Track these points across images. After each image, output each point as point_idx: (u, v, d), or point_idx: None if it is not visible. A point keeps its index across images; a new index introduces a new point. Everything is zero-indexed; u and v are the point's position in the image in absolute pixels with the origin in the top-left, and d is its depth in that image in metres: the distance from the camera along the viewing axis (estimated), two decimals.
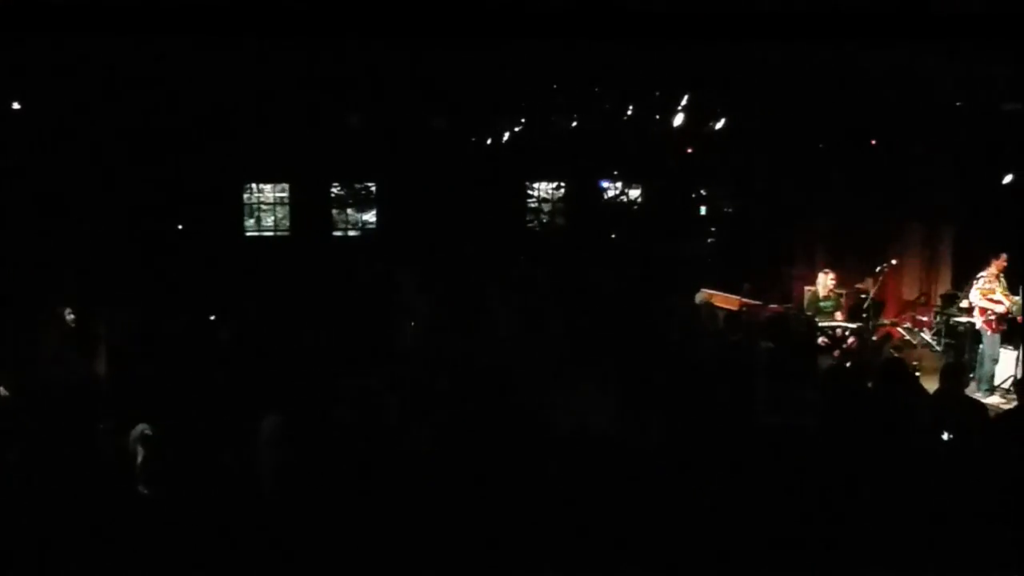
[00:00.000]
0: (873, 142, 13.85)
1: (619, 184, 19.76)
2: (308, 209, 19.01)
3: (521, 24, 8.05)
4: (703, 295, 14.09)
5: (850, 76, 11.06)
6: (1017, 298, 11.87)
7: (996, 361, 12.24)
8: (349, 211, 19.79)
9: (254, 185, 19.19)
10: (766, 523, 5.76)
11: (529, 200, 19.95)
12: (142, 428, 6.71)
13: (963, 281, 13.49)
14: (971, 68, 10.00)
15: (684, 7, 7.82)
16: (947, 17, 6.92)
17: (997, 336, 12.26)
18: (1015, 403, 9.43)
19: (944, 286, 15.08)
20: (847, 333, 12.71)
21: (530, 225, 19.81)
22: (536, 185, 19.94)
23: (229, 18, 8.02)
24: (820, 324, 12.63)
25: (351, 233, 19.69)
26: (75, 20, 7.88)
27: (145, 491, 6.43)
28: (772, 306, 13.73)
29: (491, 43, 10.16)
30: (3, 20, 7.66)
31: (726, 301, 13.62)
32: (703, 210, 19.61)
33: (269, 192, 19.38)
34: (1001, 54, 9.00)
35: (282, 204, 19.35)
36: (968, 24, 6.85)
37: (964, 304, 12.94)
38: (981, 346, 12.48)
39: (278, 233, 19.31)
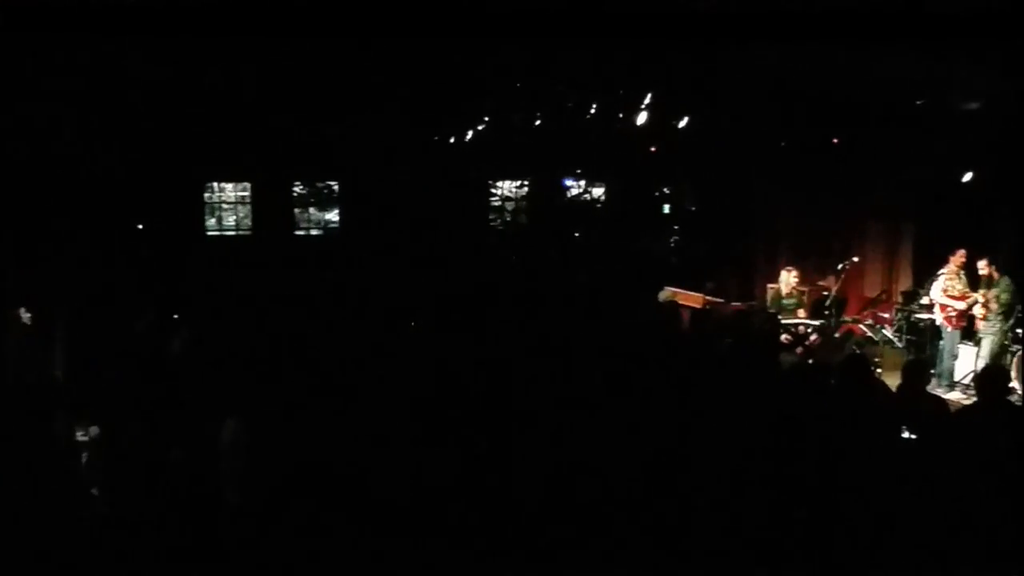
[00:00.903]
0: (835, 140, 13.91)
1: (582, 182, 19.78)
2: (270, 208, 18.90)
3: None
4: (667, 293, 14.11)
5: (812, 75, 11.10)
6: (976, 295, 11.96)
7: (956, 357, 12.35)
8: (312, 210, 19.70)
9: (215, 184, 19.05)
10: (729, 521, 5.76)
11: (492, 198, 19.93)
12: (93, 430, 6.63)
13: (924, 278, 13.60)
14: (931, 68, 10.06)
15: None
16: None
17: (957, 332, 12.38)
18: (975, 398, 9.49)
19: (905, 283, 15.19)
20: (810, 330, 12.77)
21: (493, 224, 19.78)
22: (500, 184, 19.92)
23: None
24: (783, 321, 12.68)
25: (314, 232, 19.59)
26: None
27: (95, 492, 6.35)
28: (735, 304, 13.77)
29: (456, 41, 10.11)
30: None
31: (690, 299, 13.65)
32: (666, 208, 19.67)
33: (231, 191, 19.25)
34: (960, 54, 9.05)
35: (243, 203, 19.22)
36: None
37: (925, 301, 13.05)
38: (941, 342, 12.59)
39: (240, 232, 19.18)
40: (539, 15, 7.99)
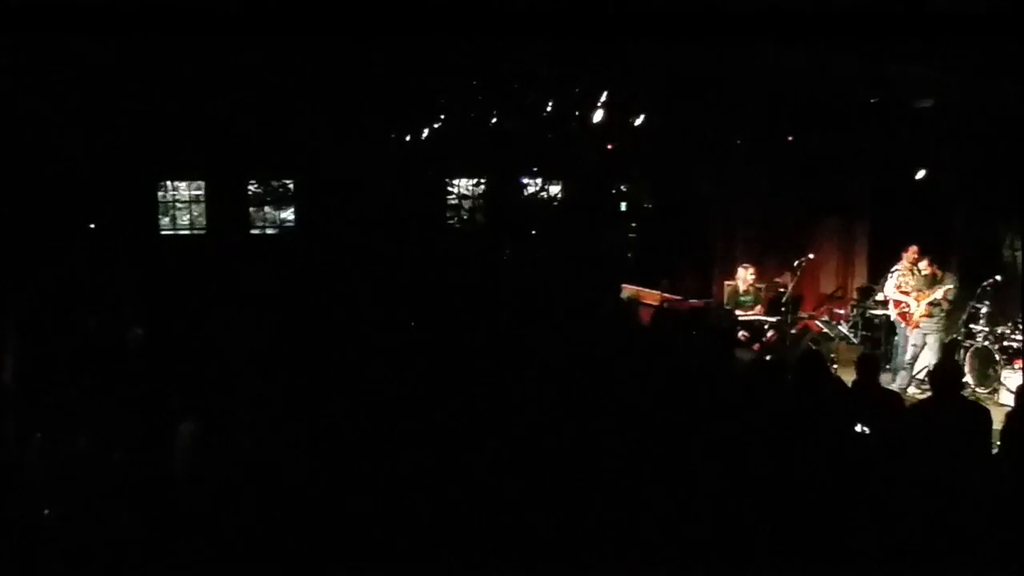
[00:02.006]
0: (790, 138, 13.98)
1: (539, 181, 19.78)
2: (224, 207, 18.73)
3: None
4: (628, 291, 14.16)
5: (767, 73, 11.14)
6: (937, 293, 12.02)
7: (910, 352, 12.43)
8: (267, 209, 19.56)
9: (169, 183, 18.85)
10: (685, 518, 5.75)
11: (449, 197, 19.88)
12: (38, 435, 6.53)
13: (878, 275, 13.71)
14: (884, 66, 10.12)
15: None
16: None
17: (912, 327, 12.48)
18: (930, 393, 9.59)
19: (860, 280, 15.31)
20: (766, 327, 12.85)
21: (450, 222, 19.74)
22: (456, 182, 19.87)
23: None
24: (740, 318, 12.74)
25: (269, 231, 19.45)
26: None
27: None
28: (692, 301, 13.82)
29: (412, 39, 10.05)
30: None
31: (647, 296, 13.68)
32: (623, 206, 19.71)
33: (184, 190, 19.06)
34: (912, 52, 9.11)
35: (198, 202, 19.04)
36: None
37: (879, 297, 13.15)
38: (896, 337, 12.70)
39: (194, 232, 19.00)
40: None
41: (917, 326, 12.12)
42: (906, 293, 12.31)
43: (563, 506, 5.97)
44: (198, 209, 19.08)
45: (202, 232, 18.91)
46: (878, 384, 8.26)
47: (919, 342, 12.16)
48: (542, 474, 6.36)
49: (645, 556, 5.51)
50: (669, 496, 5.97)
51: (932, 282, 12.08)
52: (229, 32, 8.88)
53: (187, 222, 19.15)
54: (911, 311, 12.19)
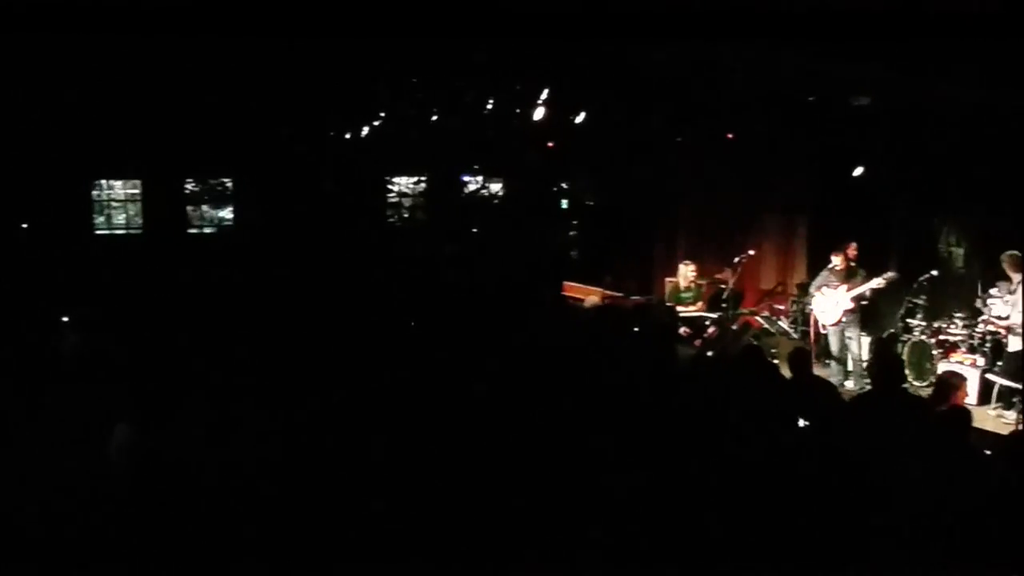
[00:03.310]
0: (730, 136, 14.07)
1: (480, 178, 19.73)
2: (161, 206, 18.47)
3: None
4: (570, 289, 14.18)
5: (707, 71, 11.18)
6: (875, 282, 12.10)
7: (849, 347, 12.53)
8: (204, 208, 19.31)
9: (103, 181, 18.54)
10: (631, 515, 5.73)
11: (389, 195, 19.77)
12: None
13: (817, 271, 13.81)
14: (821, 64, 10.20)
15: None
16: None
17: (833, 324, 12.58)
18: (868, 386, 9.69)
19: (799, 275, 15.43)
20: (707, 323, 12.91)
21: (390, 220, 19.63)
22: (396, 179, 19.77)
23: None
24: (681, 314, 12.79)
25: (207, 230, 19.20)
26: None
27: None
28: (634, 298, 13.85)
29: (351, 36, 9.95)
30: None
31: (589, 293, 13.69)
32: (565, 204, 19.73)
33: (120, 189, 18.76)
34: (849, 50, 9.17)
35: (133, 201, 18.75)
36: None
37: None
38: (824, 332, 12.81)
39: (130, 231, 18.71)
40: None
41: (839, 322, 12.21)
42: (816, 288, 12.42)
43: (501, 507, 5.92)
44: (134, 208, 18.78)
45: (138, 232, 18.62)
46: (812, 375, 8.34)
47: (839, 336, 12.28)
48: (482, 473, 6.31)
49: (586, 553, 5.48)
50: (610, 493, 5.95)
51: (848, 276, 12.15)
52: (180, 30, 8.75)
53: (123, 221, 18.85)
54: (824, 307, 12.30)
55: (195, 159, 17.77)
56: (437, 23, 8.13)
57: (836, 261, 12.19)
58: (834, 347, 12.35)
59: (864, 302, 12.19)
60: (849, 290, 12.04)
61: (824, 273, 12.43)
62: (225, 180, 19.06)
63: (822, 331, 12.52)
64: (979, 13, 7.03)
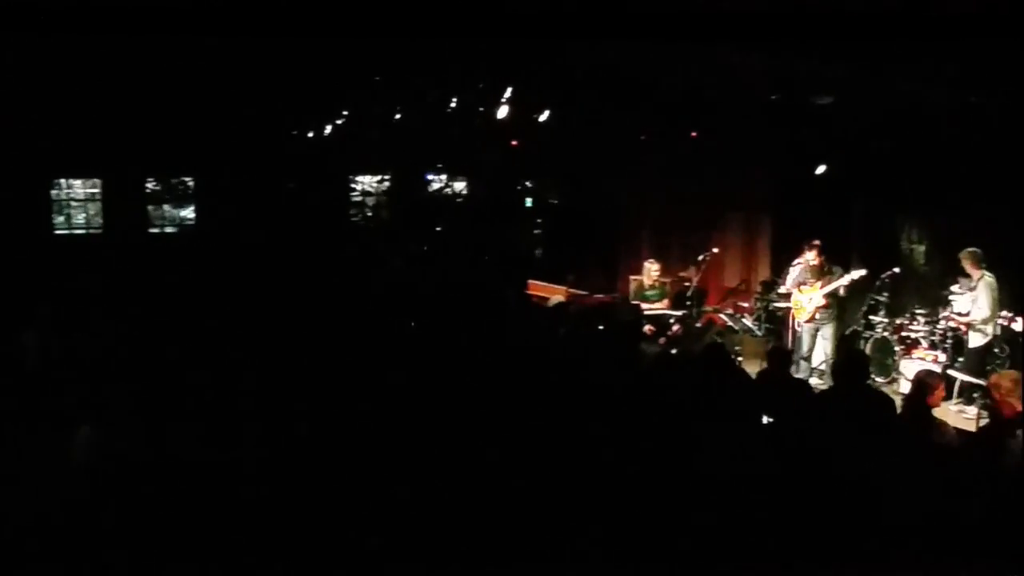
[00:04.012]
0: (693, 135, 14.11)
1: (444, 176, 19.70)
2: (122, 205, 18.29)
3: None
4: (534, 287, 14.16)
5: (671, 70, 11.20)
6: (843, 280, 12.15)
7: (812, 345, 12.60)
8: (166, 207, 19.14)
9: (63, 180, 18.34)
10: (596, 514, 5.71)
11: (352, 193, 19.69)
12: None
13: (781, 268, 13.90)
14: (784, 63, 10.24)
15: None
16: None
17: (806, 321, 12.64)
18: (830, 384, 9.75)
19: (763, 273, 15.51)
20: (672, 321, 12.94)
21: (354, 219, 19.55)
22: (360, 178, 19.69)
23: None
24: (646, 312, 12.80)
25: (169, 230, 19.04)
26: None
27: None
28: (599, 296, 13.86)
29: (317, 36, 9.89)
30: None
31: (553, 292, 13.69)
32: (529, 202, 19.73)
33: (79, 188, 18.56)
34: (812, 49, 9.22)
35: (94, 200, 18.55)
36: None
37: (782, 290, 13.32)
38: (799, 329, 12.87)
39: (90, 231, 18.52)
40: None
41: (813, 319, 12.27)
42: (795, 285, 12.46)
43: (469, 508, 5.89)
44: (94, 208, 18.59)
45: (99, 231, 18.42)
46: (789, 375, 8.38)
47: (811, 334, 12.33)
48: (447, 475, 6.27)
49: (549, 552, 5.46)
50: (576, 492, 5.93)
51: (820, 273, 12.21)
52: (140, 28, 8.65)
53: (83, 221, 18.65)
54: (802, 304, 12.34)
55: (156, 158, 17.59)
56: (409, 23, 8.10)
57: (810, 257, 12.25)
58: (806, 345, 12.37)
59: (834, 299, 12.25)
60: (823, 287, 12.10)
61: (798, 270, 12.46)
62: (187, 179, 18.90)
63: (797, 329, 12.54)
64: (941, 14, 7.07)
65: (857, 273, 12.05)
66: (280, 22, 8.13)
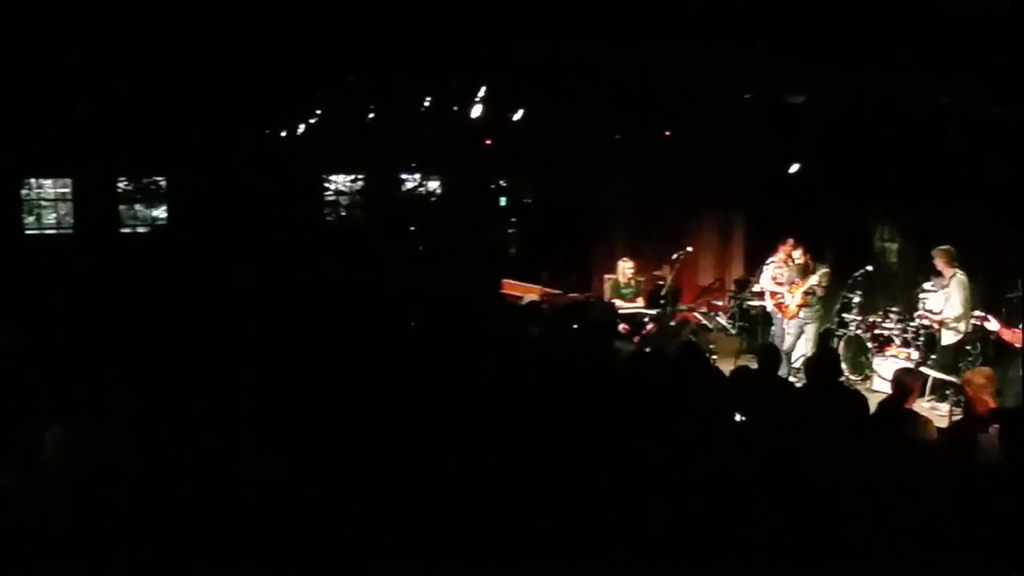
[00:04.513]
0: (667, 133, 14.12)
1: (418, 176, 19.65)
2: (93, 205, 18.14)
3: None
4: (508, 286, 14.15)
5: (645, 69, 11.20)
6: (812, 279, 12.20)
7: (787, 342, 12.64)
8: (137, 207, 19.01)
9: (32, 180, 18.17)
10: (570, 514, 5.70)
11: (326, 193, 19.62)
12: None
13: (754, 267, 13.95)
14: (757, 62, 10.26)
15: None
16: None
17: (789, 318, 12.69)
18: (804, 381, 9.78)
19: (737, 272, 15.57)
20: (646, 319, 12.95)
21: (328, 219, 19.49)
22: (333, 178, 19.62)
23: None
24: (620, 311, 12.79)
25: (140, 230, 18.91)
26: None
27: None
28: (573, 295, 13.87)
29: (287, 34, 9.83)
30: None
31: (527, 291, 13.68)
32: (503, 201, 19.72)
33: (50, 188, 18.40)
34: (785, 49, 9.23)
35: (64, 200, 18.40)
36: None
37: (756, 288, 13.36)
38: (773, 328, 12.91)
39: (61, 231, 18.36)
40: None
41: (795, 316, 12.31)
42: (781, 284, 12.51)
43: (438, 510, 5.86)
44: (65, 207, 18.44)
45: (69, 232, 18.27)
46: (777, 374, 8.41)
47: (796, 332, 12.37)
48: (417, 475, 6.24)
49: (525, 552, 5.43)
50: (551, 492, 5.91)
51: (805, 272, 12.28)
52: (111, 28, 8.58)
53: (53, 221, 18.49)
54: (787, 302, 12.38)
55: (128, 157, 17.46)
56: (389, 23, 8.07)
57: (796, 256, 12.31)
58: (788, 343, 12.41)
59: (811, 296, 12.30)
60: (803, 285, 12.17)
61: (785, 268, 12.49)
62: (159, 178, 18.78)
63: (784, 327, 12.57)
64: (913, 12, 7.10)
65: (823, 270, 12.15)
66: (254, 21, 8.09)
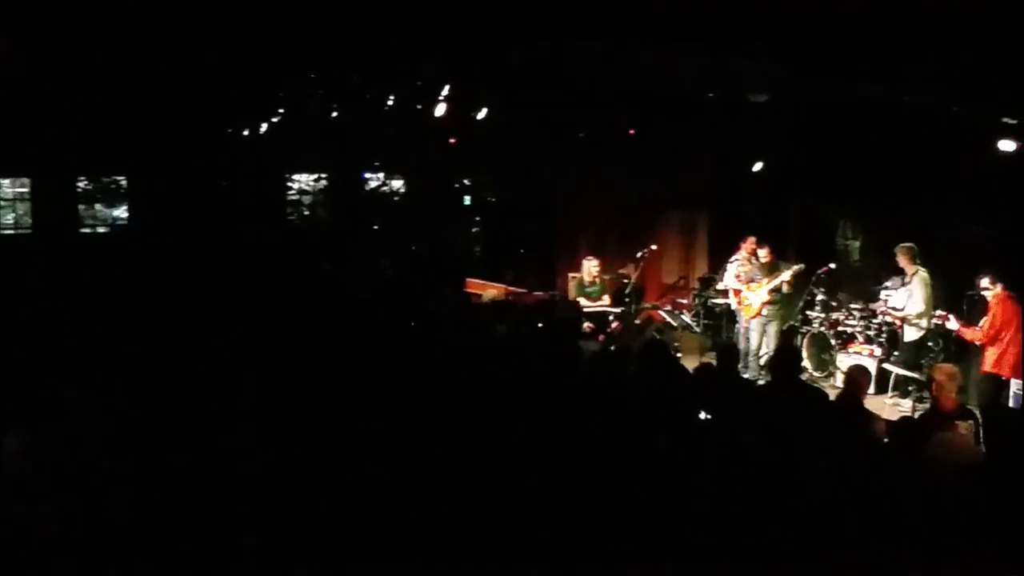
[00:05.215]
0: (631, 132, 14.14)
1: (381, 175, 19.58)
2: (52, 205, 17.95)
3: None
4: (472, 285, 14.12)
5: (609, 68, 11.20)
6: (785, 275, 12.24)
7: (750, 340, 12.69)
8: (97, 206, 18.83)
9: None
10: (532, 514, 5.68)
11: (289, 192, 19.51)
12: None
13: (718, 264, 13.99)
14: (720, 61, 10.29)
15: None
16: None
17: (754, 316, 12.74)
18: (769, 379, 9.82)
19: (701, 270, 15.60)
20: (611, 317, 12.94)
21: (290, 218, 19.39)
22: (296, 177, 19.52)
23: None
24: (585, 309, 12.80)
25: (100, 230, 18.72)
26: None
27: None
28: (537, 293, 13.86)
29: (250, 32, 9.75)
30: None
31: (491, 289, 13.65)
32: (467, 200, 19.68)
33: (8, 187, 18.20)
34: (747, 48, 9.26)
35: (23, 200, 18.20)
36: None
37: (720, 286, 13.42)
38: (737, 325, 12.96)
39: (19, 231, 18.16)
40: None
41: (758, 315, 12.36)
42: (745, 283, 12.55)
43: (403, 512, 5.82)
44: (23, 207, 18.23)
45: (28, 232, 18.07)
46: (736, 372, 8.42)
47: (759, 330, 12.41)
48: (381, 478, 6.20)
49: (492, 554, 5.41)
50: (515, 490, 5.89)
51: (772, 270, 12.34)
52: (72, 27, 8.47)
53: (11, 221, 18.28)
54: (750, 300, 12.43)
55: (88, 156, 17.28)
56: (358, 22, 8.02)
57: (762, 254, 12.37)
58: (753, 342, 12.45)
59: (778, 294, 12.35)
60: (769, 283, 12.21)
61: (747, 266, 12.54)
62: (119, 178, 18.60)
63: (746, 326, 12.60)
64: (879, 12, 7.13)
65: (796, 267, 12.21)
66: (217, 21, 8.01)
